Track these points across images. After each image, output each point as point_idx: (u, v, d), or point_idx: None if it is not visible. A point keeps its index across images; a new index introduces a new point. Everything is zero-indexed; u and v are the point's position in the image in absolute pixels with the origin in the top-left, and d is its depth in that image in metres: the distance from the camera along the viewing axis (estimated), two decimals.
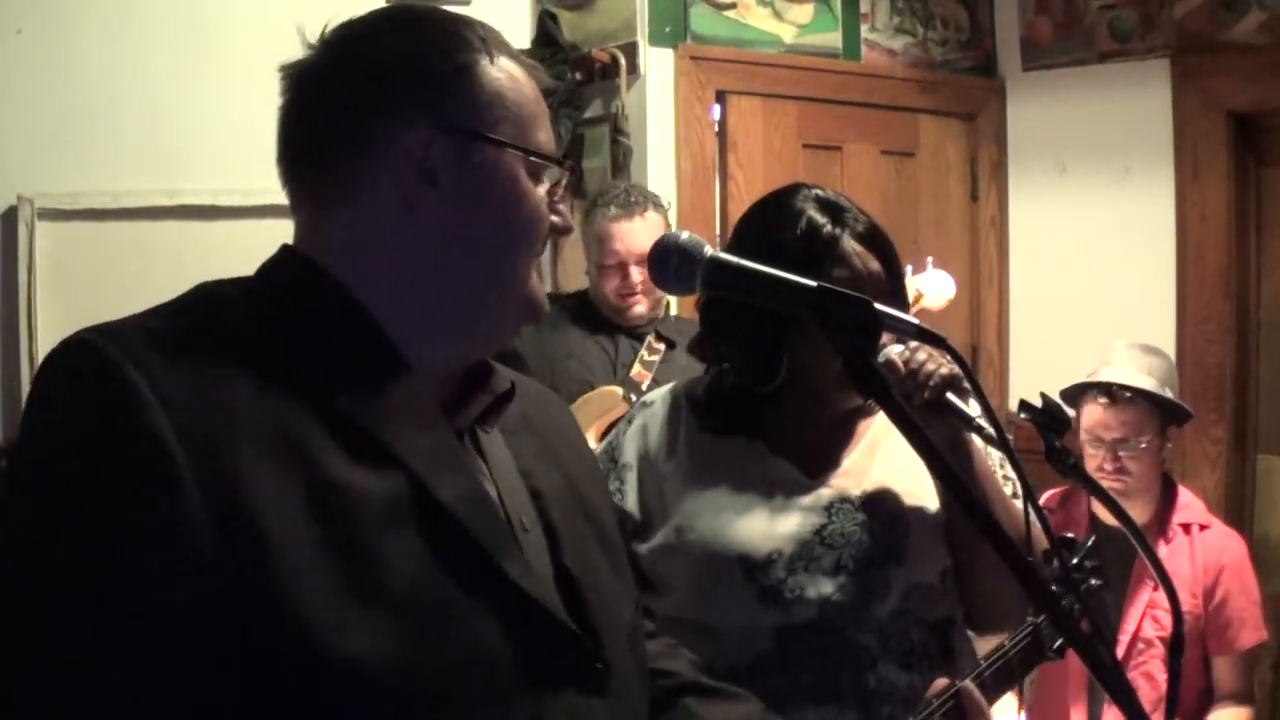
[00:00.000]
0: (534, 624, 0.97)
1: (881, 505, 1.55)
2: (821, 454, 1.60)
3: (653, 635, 1.25)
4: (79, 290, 2.95)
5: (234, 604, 0.83)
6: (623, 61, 3.29)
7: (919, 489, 1.57)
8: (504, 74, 1.02)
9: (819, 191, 1.58)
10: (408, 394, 0.98)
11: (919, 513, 1.55)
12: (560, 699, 0.98)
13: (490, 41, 1.02)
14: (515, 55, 1.05)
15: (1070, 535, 1.59)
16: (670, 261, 1.09)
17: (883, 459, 1.59)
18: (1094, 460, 2.66)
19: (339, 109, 0.99)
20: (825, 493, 1.56)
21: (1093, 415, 2.70)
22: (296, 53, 1.03)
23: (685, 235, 1.10)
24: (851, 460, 1.59)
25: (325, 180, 1.00)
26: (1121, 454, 2.65)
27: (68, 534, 0.83)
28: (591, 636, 1.02)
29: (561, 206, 1.07)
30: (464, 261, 1.01)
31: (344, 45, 1.01)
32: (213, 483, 0.84)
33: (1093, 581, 1.56)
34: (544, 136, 1.04)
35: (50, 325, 2.93)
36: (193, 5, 3.07)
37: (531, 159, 1.02)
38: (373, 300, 0.98)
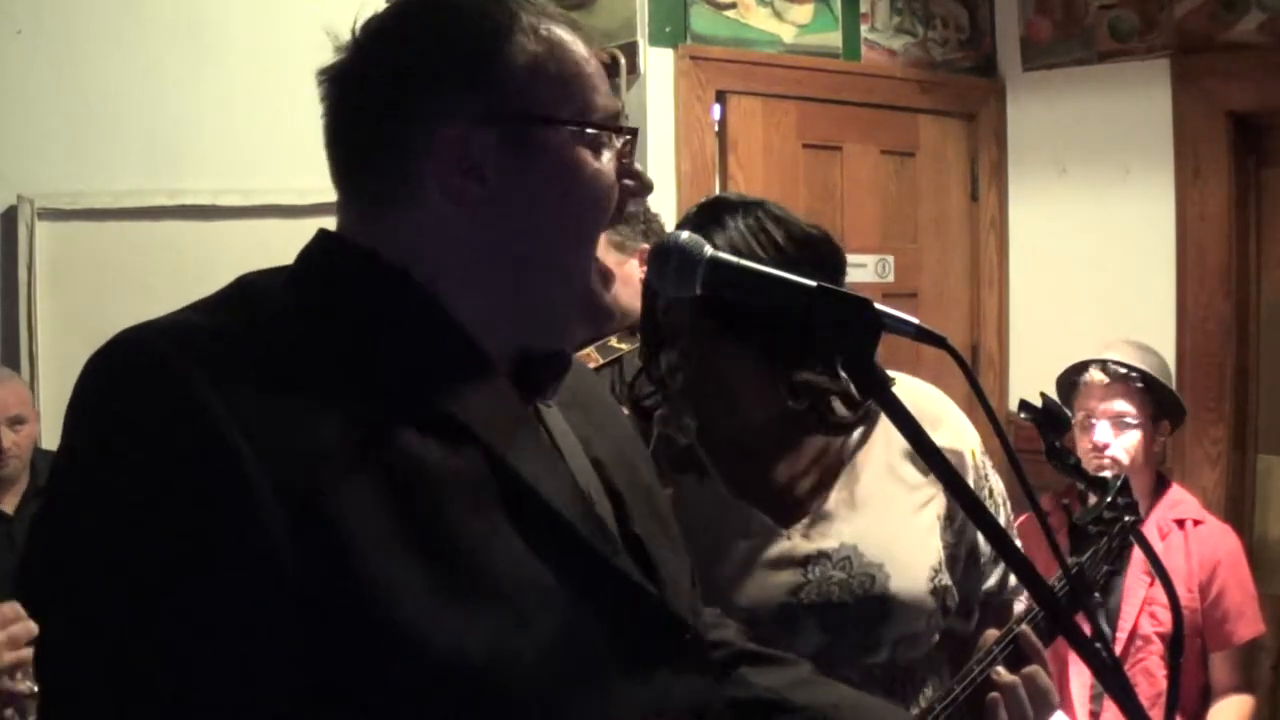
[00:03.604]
0: (625, 599, 0.95)
1: (861, 557, 1.49)
2: (792, 496, 1.54)
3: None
4: (79, 290, 2.96)
5: (321, 605, 0.81)
6: (623, 61, 3.29)
7: (902, 532, 1.52)
8: (541, 44, 0.96)
9: (713, 198, 1.53)
10: (476, 370, 0.96)
11: (902, 561, 1.50)
12: (660, 673, 0.97)
13: (524, 9, 0.97)
14: (558, 17, 0.99)
15: (1102, 475, 1.57)
16: (670, 262, 1.08)
17: (860, 501, 1.53)
18: (1085, 441, 2.69)
19: (373, 113, 0.96)
20: (800, 545, 1.50)
21: (1088, 393, 2.73)
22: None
23: (685, 235, 1.09)
24: (827, 505, 1.53)
25: (371, 184, 0.97)
26: (1114, 437, 2.68)
27: (143, 549, 0.80)
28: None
29: (635, 167, 1.02)
30: (522, 253, 0.97)
31: (371, 45, 0.98)
32: (286, 483, 0.81)
33: (1127, 519, 1.55)
34: (598, 98, 0.98)
35: (50, 325, 2.93)
36: (193, 5, 3.07)
37: (586, 130, 0.97)
38: (432, 288, 0.95)
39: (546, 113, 0.96)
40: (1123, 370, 2.72)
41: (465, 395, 0.93)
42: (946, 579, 1.53)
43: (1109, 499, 1.54)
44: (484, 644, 0.85)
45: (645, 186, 1.03)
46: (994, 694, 1.33)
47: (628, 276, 2.59)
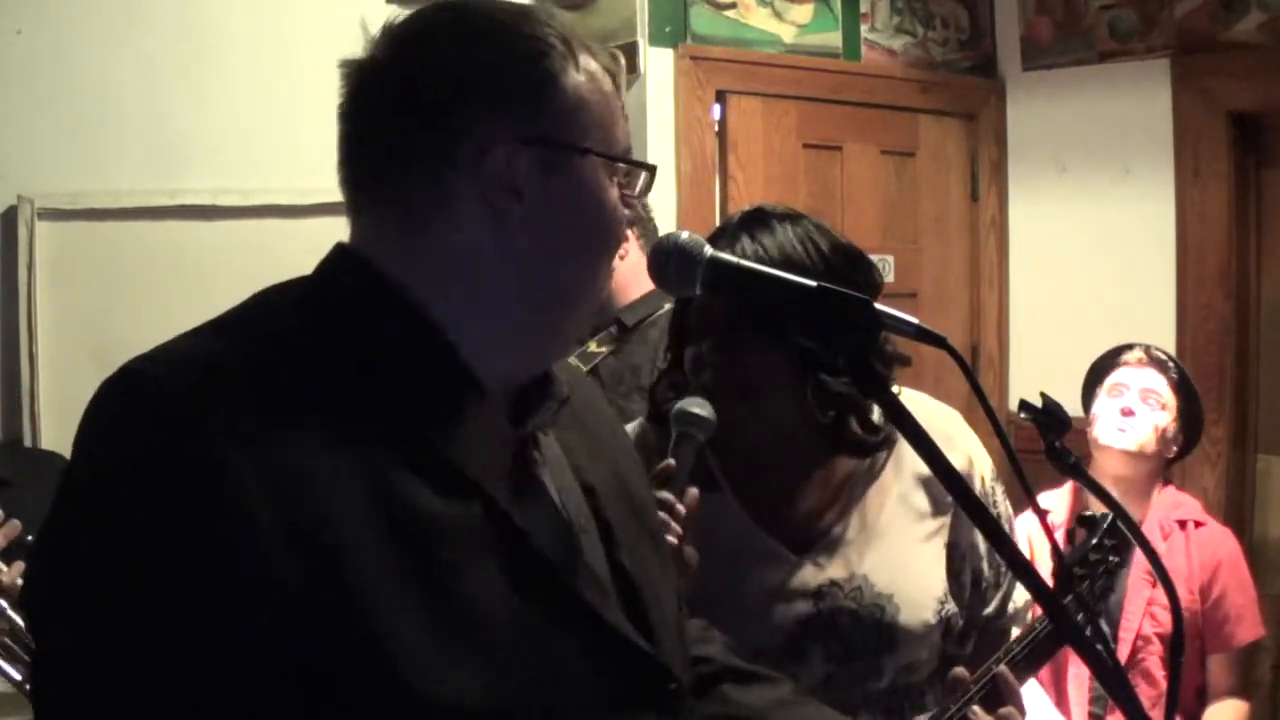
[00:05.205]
0: (612, 649, 0.96)
1: (872, 588, 1.49)
2: (806, 524, 1.53)
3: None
4: (79, 290, 2.95)
5: (319, 643, 0.82)
6: (623, 61, 3.28)
7: (911, 562, 1.52)
8: (585, 75, 0.98)
9: (756, 207, 1.53)
10: (479, 412, 0.95)
11: (910, 592, 1.50)
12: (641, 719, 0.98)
13: (571, 41, 0.98)
14: (593, 50, 1.01)
15: (1090, 512, 1.57)
16: (670, 262, 1.08)
17: (872, 530, 1.53)
18: (1111, 409, 2.71)
19: (413, 120, 0.94)
20: (812, 575, 1.50)
21: (1124, 369, 2.78)
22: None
23: (685, 235, 1.09)
24: (839, 535, 1.53)
25: (397, 194, 0.96)
26: (1143, 406, 2.69)
27: (145, 577, 0.80)
28: (648, 636, 1.01)
29: (634, 199, 1.04)
30: (549, 275, 0.98)
31: (415, 48, 0.96)
32: (292, 521, 0.82)
33: (1111, 559, 1.55)
34: (622, 133, 1.01)
35: (50, 325, 2.92)
36: (194, 5, 3.07)
37: (612, 164, 0.99)
38: (445, 315, 0.95)
39: (583, 143, 0.97)
40: (1163, 357, 2.79)
41: (465, 440, 0.93)
42: (953, 607, 1.54)
43: (1094, 540, 1.54)
44: (473, 688, 0.85)
45: (637, 218, 1.05)
46: None
47: None
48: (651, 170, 1.03)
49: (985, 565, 1.58)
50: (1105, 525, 1.55)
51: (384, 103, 0.96)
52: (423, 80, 0.95)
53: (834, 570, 1.50)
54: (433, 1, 1.00)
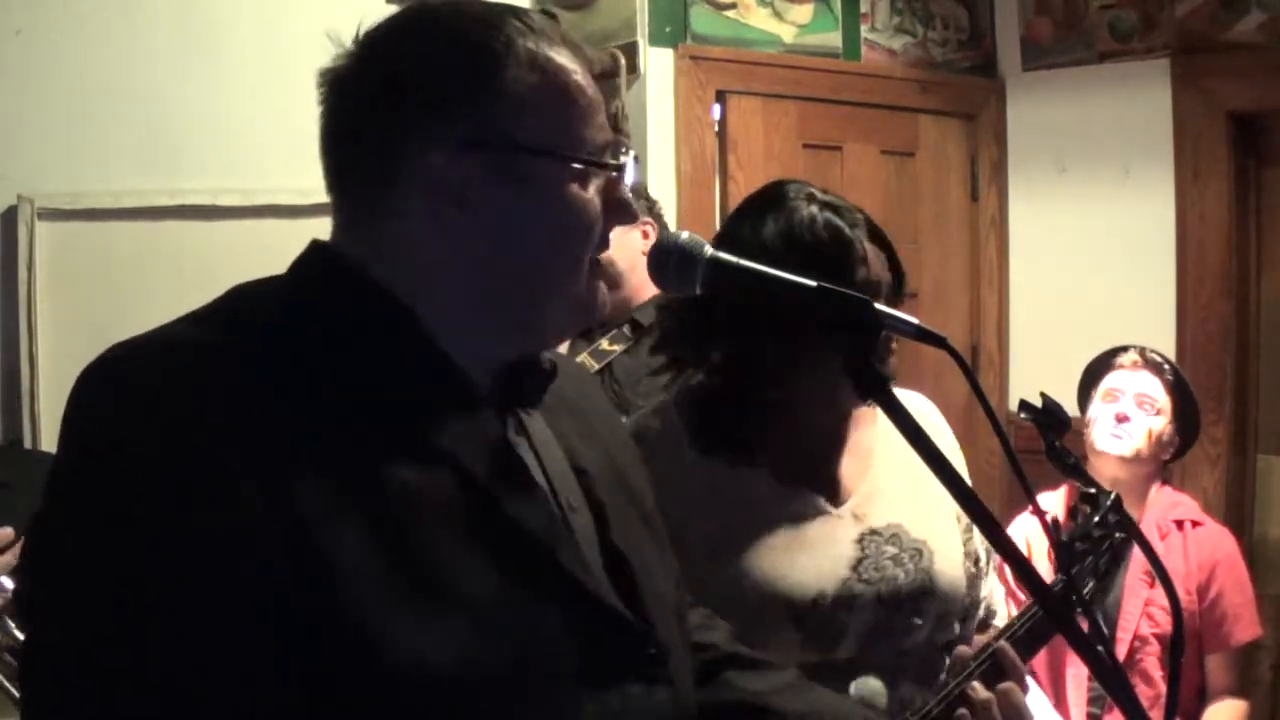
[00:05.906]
0: (591, 615, 0.96)
1: (908, 534, 1.53)
2: (838, 476, 1.56)
3: (691, 605, 1.24)
4: (79, 290, 2.95)
5: (298, 615, 0.82)
6: (623, 61, 3.29)
7: (937, 512, 1.55)
8: (536, 74, 0.96)
9: (813, 189, 1.55)
10: (455, 389, 0.97)
11: (941, 539, 1.54)
12: (621, 688, 0.98)
13: (523, 35, 0.96)
14: (559, 41, 0.99)
15: (1092, 490, 1.57)
16: (670, 261, 1.08)
17: (897, 482, 1.56)
18: (1106, 414, 2.71)
19: (365, 127, 0.96)
20: (853, 523, 1.53)
21: (1119, 373, 2.77)
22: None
23: (685, 235, 1.09)
24: (869, 484, 1.56)
25: (360, 196, 0.98)
26: (1138, 412, 2.69)
27: (131, 561, 0.81)
28: (642, 618, 1.01)
29: (623, 196, 1.02)
30: (504, 277, 0.97)
31: (369, 54, 0.97)
32: (271, 498, 0.82)
33: (1117, 535, 1.54)
34: (591, 130, 0.98)
35: (50, 325, 2.92)
36: (193, 5, 3.07)
37: (573, 164, 0.97)
38: (415, 304, 0.96)
39: (535, 144, 0.96)
40: (1158, 359, 2.78)
41: (443, 418, 0.94)
42: (973, 567, 1.59)
43: (1098, 516, 1.54)
44: (448, 655, 0.86)
45: (630, 217, 1.03)
46: (962, 710, 1.33)
47: (629, 244, 2.57)
48: (619, 169, 1.01)
49: (978, 540, 1.62)
50: (1109, 502, 1.54)
51: (343, 106, 0.98)
52: (373, 87, 0.96)
53: (872, 520, 1.54)
54: (414, 3, 1.01)
